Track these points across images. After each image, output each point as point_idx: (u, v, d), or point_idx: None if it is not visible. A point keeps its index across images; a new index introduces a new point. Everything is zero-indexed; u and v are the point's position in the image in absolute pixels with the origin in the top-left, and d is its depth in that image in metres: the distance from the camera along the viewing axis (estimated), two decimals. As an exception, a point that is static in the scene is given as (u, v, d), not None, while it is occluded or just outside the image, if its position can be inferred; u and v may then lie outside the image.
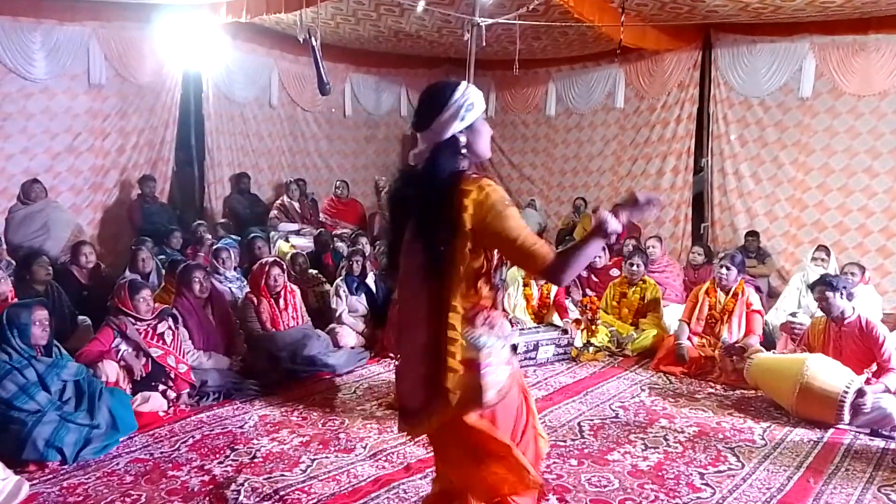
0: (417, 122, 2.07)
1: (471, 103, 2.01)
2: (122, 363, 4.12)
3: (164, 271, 5.77)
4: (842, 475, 3.50)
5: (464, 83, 2.04)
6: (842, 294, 4.36)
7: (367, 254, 6.35)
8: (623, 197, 2.01)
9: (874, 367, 4.34)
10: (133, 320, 4.26)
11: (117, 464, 3.49)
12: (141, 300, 4.30)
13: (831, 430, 4.04)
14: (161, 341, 4.33)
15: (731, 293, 5.27)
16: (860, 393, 4.04)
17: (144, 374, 4.16)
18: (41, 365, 3.64)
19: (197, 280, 4.79)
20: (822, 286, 4.38)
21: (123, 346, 4.18)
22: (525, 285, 5.89)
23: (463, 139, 2.02)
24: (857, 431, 4.03)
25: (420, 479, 3.36)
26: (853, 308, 4.41)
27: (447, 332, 1.97)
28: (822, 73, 7.67)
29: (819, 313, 4.91)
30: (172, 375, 4.28)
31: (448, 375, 1.96)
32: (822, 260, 6.17)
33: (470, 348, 1.97)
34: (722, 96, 8.41)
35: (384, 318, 5.59)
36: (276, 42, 8.60)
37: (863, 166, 7.53)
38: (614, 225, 1.88)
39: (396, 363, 2.23)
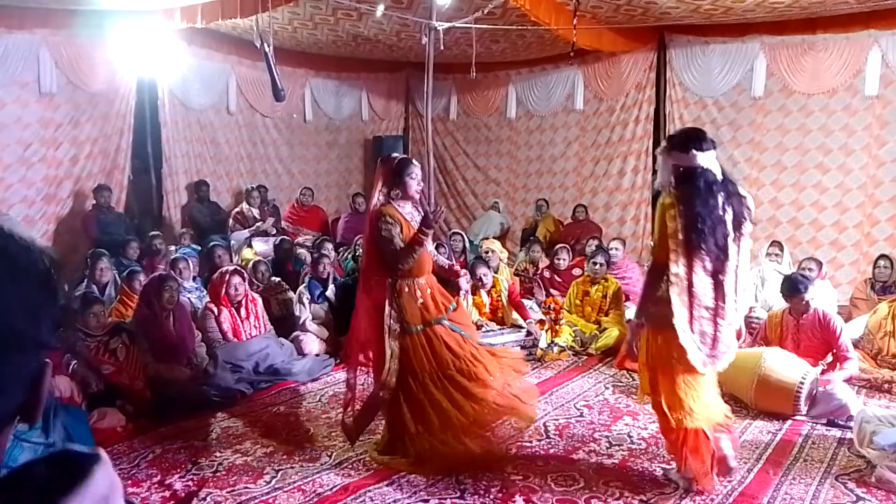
0: (706, 146, 3.07)
1: None
2: (76, 378, 4.01)
3: (120, 283, 5.64)
4: (800, 466, 3.58)
5: None
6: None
7: (331, 259, 6.31)
8: None
9: (829, 358, 4.46)
10: (83, 335, 4.15)
11: (74, 482, 3.40)
12: (91, 315, 4.19)
13: (789, 422, 4.13)
14: (112, 358, 4.21)
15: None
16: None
17: (99, 389, 4.06)
18: (-8, 383, 3.52)
19: (169, 290, 4.70)
20: (799, 290, 4.46)
21: (74, 362, 4.07)
22: (474, 294, 5.82)
23: None
24: (814, 422, 4.13)
25: (387, 485, 3.34)
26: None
27: None
28: (773, 73, 7.86)
29: (776, 307, 5.03)
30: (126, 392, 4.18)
31: None
32: (776, 255, 6.33)
33: None
34: (677, 97, 8.56)
35: (346, 325, 5.52)
36: (232, 47, 8.49)
37: (814, 162, 7.74)
38: None
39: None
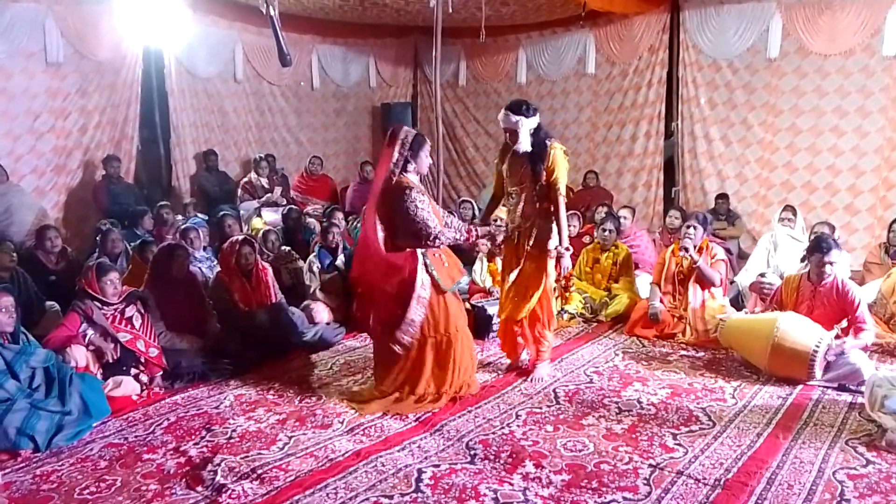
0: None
1: None
2: (91, 347, 4.07)
3: (132, 253, 5.67)
4: (810, 430, 3.58)
5: None
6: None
7: (341, 228, 6.30)
8: None
9: (843, 322, 4.42)
10: (100, 304, 4.19)
11: (91, 449, 3.46)
12: (108, 283, 4.21)
13: (800, 387, 4.13)
14: (129, 325, 4.25)
15: (696, 250, 5.25)
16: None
17: (115, 358, 4.11)
18: (9, 352, 3.57)
19: (179, 259, 4.74)
20: (821, 248, 4.36)
21: (91, 331, 4.12)
22: (490, 261, 5.89)
23: None
24: (824, 386, 4.12)
25: (398, 451, 3.37)
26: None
27: None
28: (789, 34, 7.68)
29: (790, 272, 4.98)
30: (143, 359, 4.23)
31: None
32: (789, 220, 6.25)
33: None
34: (691, 59, 8.41)
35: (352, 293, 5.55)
36: (238, 14, 8.38)
37: (829, 125, 7.61)
38: None
39: None
